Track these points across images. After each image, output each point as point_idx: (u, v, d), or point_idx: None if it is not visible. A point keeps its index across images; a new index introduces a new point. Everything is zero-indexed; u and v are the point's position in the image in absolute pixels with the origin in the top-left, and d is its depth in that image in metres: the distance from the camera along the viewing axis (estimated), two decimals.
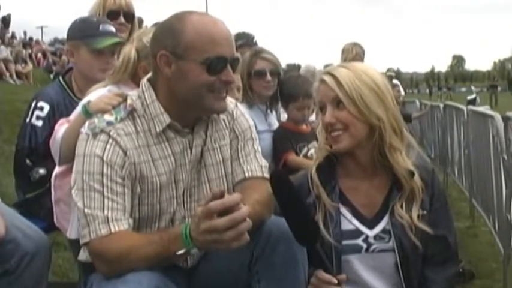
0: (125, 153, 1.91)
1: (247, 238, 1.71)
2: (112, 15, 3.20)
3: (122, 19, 3.22)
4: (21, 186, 2.95)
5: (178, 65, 1.89)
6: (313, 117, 3.77)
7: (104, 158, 1.88)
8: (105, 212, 1.85)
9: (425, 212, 2.09)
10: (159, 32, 1.97)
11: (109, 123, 1.93)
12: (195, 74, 1.88)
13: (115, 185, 1.88)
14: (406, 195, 2.08)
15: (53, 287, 3.32)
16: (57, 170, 2.40)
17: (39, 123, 2.80)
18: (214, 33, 1.90)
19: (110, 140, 1.91)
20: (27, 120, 2.82)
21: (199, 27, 1.88)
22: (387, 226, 2.07)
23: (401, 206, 2.07)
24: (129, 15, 3.28)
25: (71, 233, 2.29)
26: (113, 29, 2.86)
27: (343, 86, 2.04)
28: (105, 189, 1.87)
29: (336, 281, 1.94)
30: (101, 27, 2.77)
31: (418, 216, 2.06)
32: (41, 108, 2.78)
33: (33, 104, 2.83)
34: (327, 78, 2.08)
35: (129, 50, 2.41)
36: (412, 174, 2.08)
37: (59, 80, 2.95)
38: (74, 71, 2.90)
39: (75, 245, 2.25)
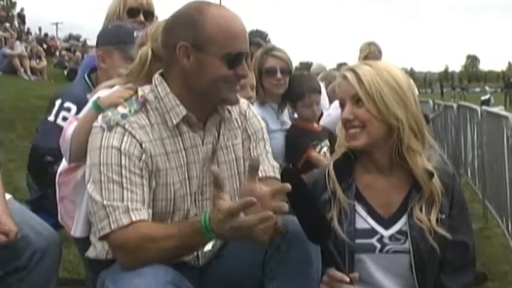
0: (141, 146, 1.90)
1: (270, 229, 1.72)
2: (132, 12, 3.17)
3: (141, 17, 3.19)
4: (38, 183, 2.91)
5: (197, 57, 1.90)
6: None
7: (122, 149, 1.87)
8: (125, 202, 1.83)
9: (444, 216, 2.06)
10: (177, 23, 1.95)
11: (123, 115, 1.92)
12: (215, 68, 1.90)
13: (134, 176, 1.86)
14: (425, 197, 2.05)
15: (63, 283, 3.34)
16: (61, 167, 2.38)
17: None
18: (234, 28, 1.92)
19: (126, 133, 1.90)
20: (51, 119, 2.75)
21: (221, 21, 1.89)
22: (404, 227, 2.04)
23: (421, 209, 2.04)
24: (149, 14, 3.24)
25: (76, 231, 2.27)
26: None
27: (364, 83, 2.02)
28: (124, 180, 1.85)
29: (348, 279, 1.91)
30: (135, 33, 2.74)
31: (437, 220, 2.03)
32: (68, 109, 2.72)
33: (57, 103, 2.76)
34: (348, 74, 2.06)
35: (146, 51, 2.38)
36: (431, 175, 2.05)
37: (84, 78, 2.89)
38: (101, 75, 2.81)
39: (80, 242, 2.25)
